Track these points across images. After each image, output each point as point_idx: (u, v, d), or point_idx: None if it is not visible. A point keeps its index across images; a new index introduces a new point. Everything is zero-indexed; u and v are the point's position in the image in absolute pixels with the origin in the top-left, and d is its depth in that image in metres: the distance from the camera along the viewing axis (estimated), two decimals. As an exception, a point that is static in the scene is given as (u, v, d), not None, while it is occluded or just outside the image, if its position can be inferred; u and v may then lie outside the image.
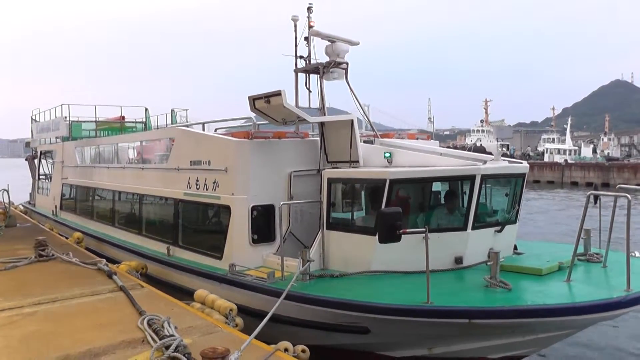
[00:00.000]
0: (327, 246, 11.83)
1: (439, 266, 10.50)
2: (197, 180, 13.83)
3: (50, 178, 28.03)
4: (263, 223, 12.58)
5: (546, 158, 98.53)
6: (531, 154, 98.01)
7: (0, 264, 12.64)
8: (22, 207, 29.41)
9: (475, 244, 11.22)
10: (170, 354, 6.60)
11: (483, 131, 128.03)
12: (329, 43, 13.13)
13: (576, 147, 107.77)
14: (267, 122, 13.31)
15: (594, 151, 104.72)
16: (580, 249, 11.70)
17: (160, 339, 7.15)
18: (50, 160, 28.37)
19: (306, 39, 13.49)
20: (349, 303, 9.70)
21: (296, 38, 13.60)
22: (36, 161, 31.02)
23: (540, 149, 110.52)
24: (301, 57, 13.64)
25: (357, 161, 12.13)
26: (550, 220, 39.62)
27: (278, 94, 11.61)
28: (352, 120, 12.19)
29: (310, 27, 13.30)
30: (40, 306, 9.46)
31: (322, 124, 12.85)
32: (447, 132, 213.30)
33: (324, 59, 13.24)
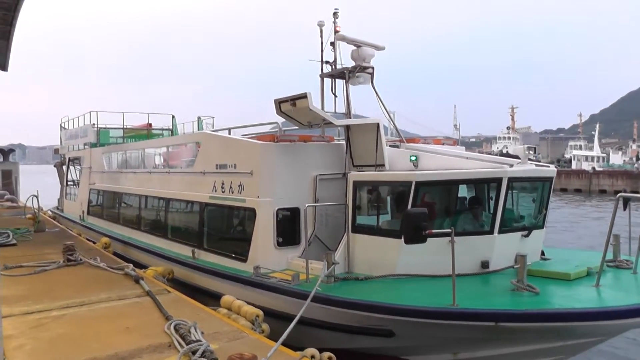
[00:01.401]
0: (352, 249, 11.80)
1: (465, 270, 10.41)
2: (223, 184, 13.90)
3: (78, 184, 28.39)
4: (288, 226, 12.60)
5: (573, 165, 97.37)
6: (555, 163, 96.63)
7: (29, 267, 12.87)
8: (50, 213, 29.83)
9: (501, 248, 11.10)
10: (197, 359, 6.66)
11: (509, 138, 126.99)
12: (355, 48, 13.13)
13: (604, 155, 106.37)
14: (293, 126, 13.35)
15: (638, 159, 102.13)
16: (610, 256, 11.55)
17: (187, 344, 7.23)
18: (78, 167, 28.73)
19: (332, 44, 13.49)
20: (374, 305, 9.66)
21: (322, 43, 13.61)
22: (64, 167, 31.44)
23: (567, 156, 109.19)
24: (327, 62, 13.64)
25: (383, 165, 12.12)
26: (577, 229, 39.11)
27: (304, 96, 11.65)
28: (377, 124, 12.19)
29: (336, 32, 13.31)
30: (68, 309, 9.60)
31: (348, 128, 12.85)
32: (473, 139, 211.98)
33: (350, 63, 13.24)
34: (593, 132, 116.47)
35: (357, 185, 11.88)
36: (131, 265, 12.67)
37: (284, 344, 7.37)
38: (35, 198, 21.86)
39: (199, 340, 7.28)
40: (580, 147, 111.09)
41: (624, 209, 10.54)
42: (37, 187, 25.90)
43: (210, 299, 11.59)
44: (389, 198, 12.26)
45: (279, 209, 12.49)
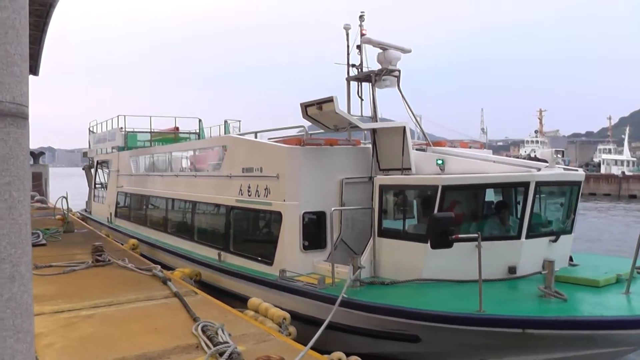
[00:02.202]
0: (378, 253, 11.77)
1: (491, 275, 10.34)
2: (249, 187, 13.97)
3: (106, 186, 28.74)
4: (314, 230, 12.62)
5: (602, 170, 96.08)
6: (584, 169, 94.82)
7: (59, 267, 13.00)
8: (79, 214, 30.22)
9: (529, 253, 10.98)
10: (225, 360, 6.67)
11: (537, 142, 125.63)
12: (381, 51, 13.11)
13: (634, 159, 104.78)
14: (319, 130, 13.38)
15: None
16: None
17: (214, 346, 7.21)
18: (106, 170, 29.09)
19: (358, 47, 13.47)
20: (400, 310, 9.62)
21: (348, 46, 13.61)
22: (93, 170, 31.85)
23: (596, 160, 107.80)
24: (353, 65, 13.64)
25: (409, 168, 12.09)
26: (607, 235, 38.55)
27: (330, 100, 11.66)
28: (404, 127, 12.17)
29: (362, 35, 13.30)
30: (97, 309, 9.66)
31: (374, 131, 12.85)
32: (501, 143, 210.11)
33: (376, 67, 13.23)
34: (623, 136, 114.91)
35: (383, 189, 11.86)
36: (159, 267, 12.73)
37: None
38: (64, 199, 22.13)
39: (227, 342, 7.28)
40: (610, 151, 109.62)
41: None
42: (66, 189, 26.24)
43: (236, 301, 11.63)
44: (415, 202, 12.23)
45: (305, 213, 12.52)
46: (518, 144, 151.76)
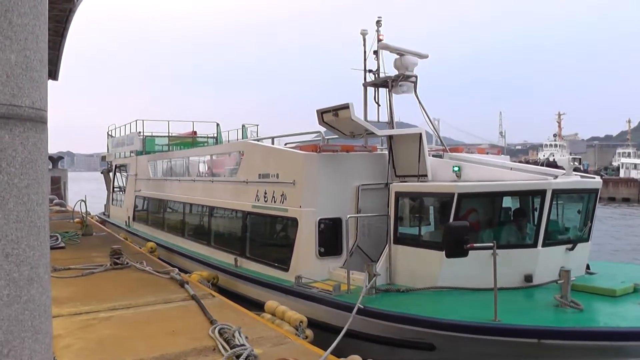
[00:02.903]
0: (394, 260, 11.75)
1: (507, 284, 10.28)
2: (266, 193, 14.02)
3: (124, 190, 28.98)
4: (330, 236, 12.63)
5: (622, 174, 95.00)
6: (602, 173, 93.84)
7: (77, 270, 13.14)
8: (97, 218, 30.46)
9: (545, 261, 10.90)
10: (241, 362, 6.71)
11: (556, 146, 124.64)
12: (398, 56, 13.09)
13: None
14: (336, 136, 13.40)
15: None
16: None
17: (231, 348, 7.27)
18: (125, 174, 29.34)
19: (375, 52, 13.45)
20: (414, 318, 9.61)
21: (365, 52, 13.60)
22: (111, 174, 32.12)
23: (615, 163, 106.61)
24: (370, 70, 13.61)
25: (426, 175, 12.06)
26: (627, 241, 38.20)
27: (346, 107, 11.67)
28: (420, 134, 12.15)
29: (379, 40, 13.28)
30: (115, 311, 9.76)
31: (390, 138, 12.83)
32: (519, 147, 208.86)
33: (393, 72, 13.20)
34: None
35: (399, 195, 11.85)
36: (176, 270, 12.83)
37: (325, 351, 7.47)
38: (83, 203, 22.33)
39: (243, 345, 7.32)
40: (629, 155, 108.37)
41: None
42: (85, 193, 26.47)
43: (252, 307, 11.67)
44: (431, 209, 12.21)
45: (321, 219, 12.54)
46: (537, 147, 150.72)
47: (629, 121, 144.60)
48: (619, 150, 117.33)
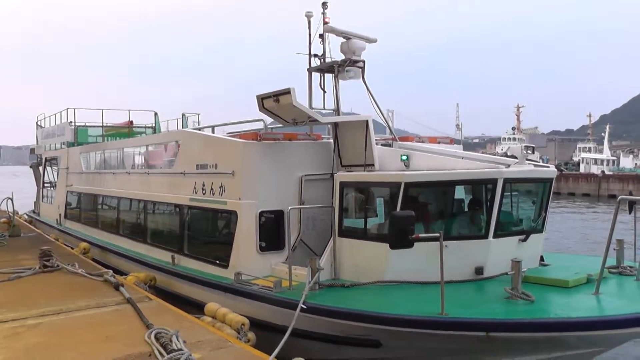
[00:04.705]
0: (338, 254, 11.73)
1: (457, 277, 10.38)
2: (204, 185, 13.84)
3: (55, 186, 28.31)
4: (271, 230, 12.53)
5: (582, 169, 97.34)
6: (563, 168, 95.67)
7: (3, 274, 12.82)
8: (26, 217, 29.73)
9: (497, 253, 11.01)
10: (178, 368, 6.64)
11: (515, 139, 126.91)
12: (345, 40, 13.05)
13: (614, 158, 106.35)
14: (280, 124, 13.29)
15: None
16: (613, 262, 11.51)
17: (168, 353, 7.24)
18: (55, 167, 28.65)
19: (321, 36, 13.36)
20: (357, 313, 9.61)
21: (310, 35, 13.51)
22: (41, 168, 31.37)
23: (575, 158, 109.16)
24: (315, 55, 13.53)
25: (373, 164, 12.06)
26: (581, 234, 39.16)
27: (287, 92, 11.55)
28: (367, 121, 12.12)
29: (325, 23, 13.20)
30: (44, 318, 9.59)
31: (335, 125, 12.79)
32: (477, 140, 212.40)
33: (340, 57, 13.15)
34: (603, 134, 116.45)
35: (344, 186, 11.82)
36: (111, 272, 12.64)
37: (268, 353, 7.55)
38: (10, 201, 21.81)
39: (181, 350, 7.29)
40: (590, 150, 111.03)
41: (629, 213, 10.48)
42: (12, 189, 25.83)
43: (192, 307, 11.52)
44: (377, 200, 12.21)
45: (262, 212, 12.43)
46: (495, 141, 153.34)
47: (590, 115, 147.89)
48: (580, 145, 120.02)
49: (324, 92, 13.53)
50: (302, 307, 9.14)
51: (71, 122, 26.32)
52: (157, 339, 7.84)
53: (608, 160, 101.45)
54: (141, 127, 27.83)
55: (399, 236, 9.47)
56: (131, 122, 27.59)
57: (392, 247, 9.95)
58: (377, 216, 12.24)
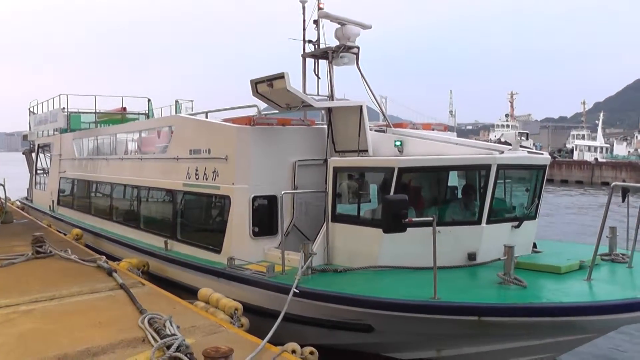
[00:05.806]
0: (331, 239, 11.75)
1: (450, 262, 10.40)
2: (197, 170, 13.82)
3: (48, 172, 28.22)
4: (265, 215, 12.53)
5: (575, 156, 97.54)
6: (556, 155, 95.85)
7: (-5, 261, 12.75)
8: (19, 203, 29.64)
9: (490, 239, 11.05)
10: (172, 353, 6.65)
11: (508, 126, 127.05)
12: (339, 26, 13.00)
13: (608, 145, 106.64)
14: (275, 110, 13.26)
15: None
16: (606, 249, 11.56)
17: (161, 339, 7.21)
18: (48, 154, 28.54)
19: (315, 22, 13.30)
20: (349, 297, 9.64)
21: (304, 21, 13.43)
22: (34, 155, 31.23)
23: (569, 145, 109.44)
24: (310, 41, 13.47)
25: (366, 150, 12.07)
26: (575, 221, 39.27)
27: (281, 76, 11.49)
28: (361, 107, 12.12)
29: (319, 8, 13.12)
30: (37, 304, 9.55)
31: (329, 111, 12.78)
32: (470, 127, 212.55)
33: (334, 43, 13.12)
34: (597, 121, 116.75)
35: (337, 171, 11.82)
36: (104, 258, 12.60)
37: (261, 338, 7.47)
38: (2, 187, 21.70)
39: (174, 335, 7.27)
40: (583, 137, 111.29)
41: (622, 200, 10.50)
42: (5, 175, 25.70)
43: (185, 293, 11.53)
44: (370, 185, 12.23)
45: (255, 197, 12.42)
46: (488, 128, 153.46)
47: (584, 103, 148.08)
48: (573, 132, 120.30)
49: (318, 78, 13.49)
50: (294, 292, 9.15)
51: (64, 108, 26.21)
52: (150, 324, 7.84)
53: (602, 148, 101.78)
54: (134, 113, 27.72)
55: (392, 220, 9.48)
56: (124, 109, 27.49)
57: (385, 230, 9.95)
58: (370, 201, 12.26)
